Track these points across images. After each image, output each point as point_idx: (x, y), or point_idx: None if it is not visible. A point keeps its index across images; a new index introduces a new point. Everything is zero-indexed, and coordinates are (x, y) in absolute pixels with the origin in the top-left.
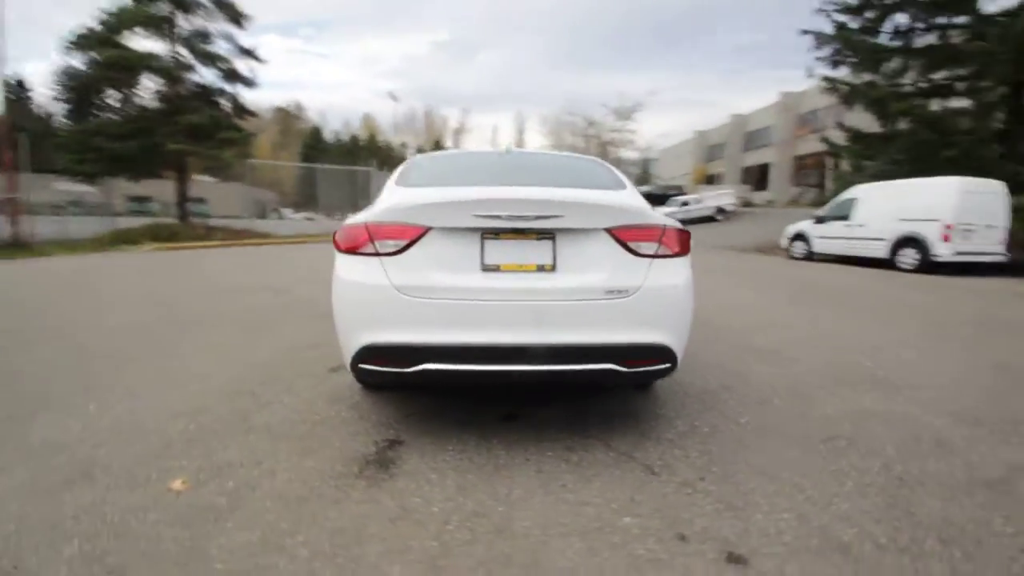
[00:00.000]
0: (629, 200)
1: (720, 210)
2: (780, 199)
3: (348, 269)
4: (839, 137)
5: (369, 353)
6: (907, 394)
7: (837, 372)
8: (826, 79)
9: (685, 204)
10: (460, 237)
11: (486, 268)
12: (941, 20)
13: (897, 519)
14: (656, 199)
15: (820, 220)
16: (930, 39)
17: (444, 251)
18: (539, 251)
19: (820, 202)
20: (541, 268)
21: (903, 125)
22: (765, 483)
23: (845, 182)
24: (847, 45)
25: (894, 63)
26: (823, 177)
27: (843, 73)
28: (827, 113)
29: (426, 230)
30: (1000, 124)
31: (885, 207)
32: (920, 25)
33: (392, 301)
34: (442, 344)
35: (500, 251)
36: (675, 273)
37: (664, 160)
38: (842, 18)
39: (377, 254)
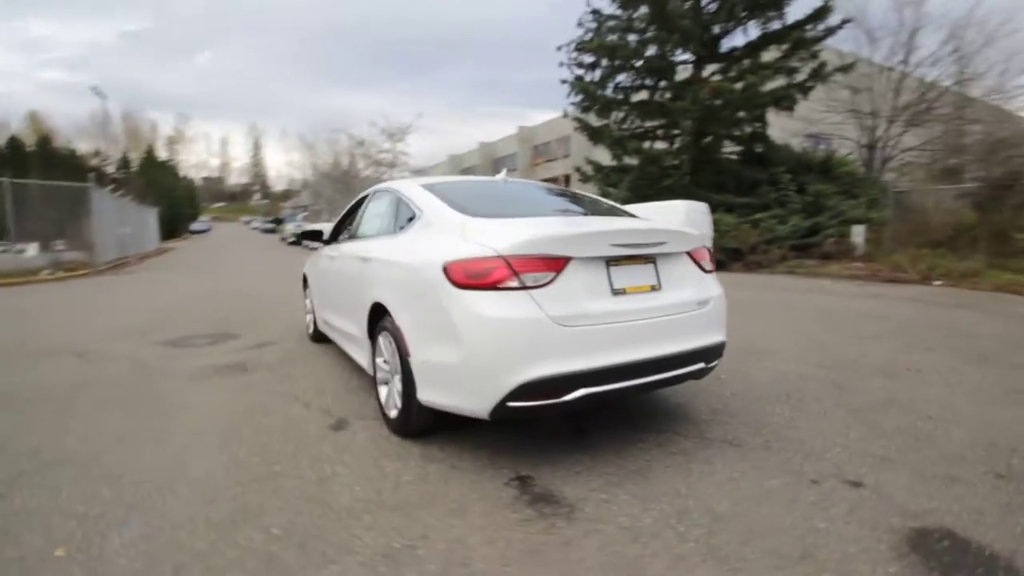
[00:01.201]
0: (686, 226)
1: None
2: None
3: (491, 306)
4: (588, 167)
5: (526, 390)
6: None
7: None
8: (577, 120)
9: None
10: (593, 265)
11: (615, 292)
12: (650, 83)
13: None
14: None
15: None
16: (644, 95)
17: (584, 280)
18: (647, 274)
19: None
20: (653, 288)
21: (633, 160)
22: None
23: None
24: (587, 95)
25: (620, 112)
26: None
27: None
28: (557, 145)
29: (568, 260)
30: (690, 161)
31: None
32: (637, 84)
33: (549, 333)
34: (597, 368)
35: (622, 276)
36: (718, 282)
37: None
38: (580, 71)
39: (524, 287)
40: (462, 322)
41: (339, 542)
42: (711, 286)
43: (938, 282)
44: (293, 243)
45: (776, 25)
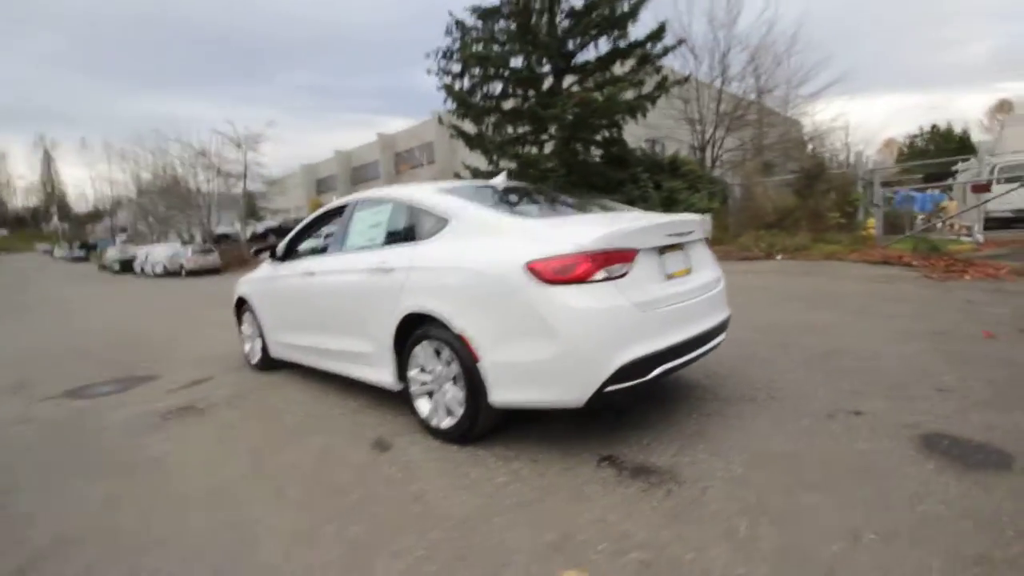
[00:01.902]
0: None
1: None
2: None
3: (583, 298)
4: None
5: (621, 374)
6: None
7: None
8: (453, 127)
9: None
10: (652, 255)
11: (668, 277)
12: (520, 92)
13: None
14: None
15: None
16: (513, 103)
17: (647, 268)
18: (683, 259)
19: None
20: (688, 272)
21: (510, 164)
22: None
23: None
24: (461, 103)
25: (492, 118)
26: None
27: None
28: (421, 152)
29: (637, 252)
30: (564, 164)
31: None
32: (507, 92)
33: (634, 318)
34: (670, 346)
35: (669, 262)
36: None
37: (270, 193)
38: (448, 79)
39: (609, 279)
40: (556, 317)
41: (493, 548)
42: (717, 267)
43: (780, 256)
44: (120, 271)
45: (622, 43)
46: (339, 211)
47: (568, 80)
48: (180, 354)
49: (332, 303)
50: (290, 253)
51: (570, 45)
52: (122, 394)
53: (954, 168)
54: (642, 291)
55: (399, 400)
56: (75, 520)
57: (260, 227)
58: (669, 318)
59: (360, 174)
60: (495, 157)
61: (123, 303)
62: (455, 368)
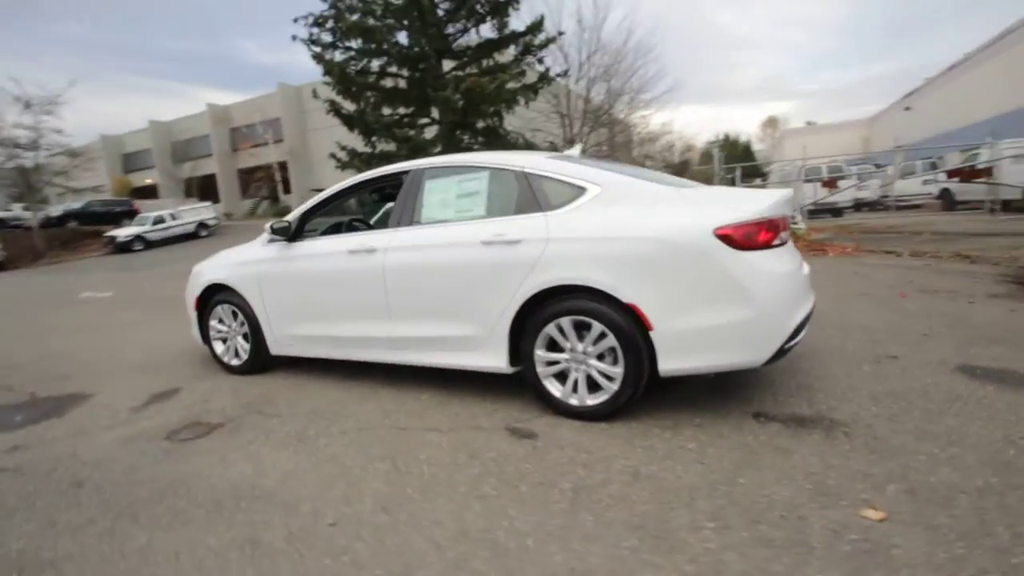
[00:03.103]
0: None
1: (203, 225)
2: (237, 212)
3: (770, 262)
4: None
5: (794, 333)
6: None
7: None
8: (330, 103)
9: (160, 222)
10: None
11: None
12: (406, 72)
13: None
14: (101, 217)
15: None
16: (392, 83)
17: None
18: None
19: (279, 213)
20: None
21: (389, 147)
22: None
23: None
24: (340, 78)
25: (373, 96)
26: (276, 190)
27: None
28: (265, 128)
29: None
30: (452, 150)
31: None
32: (390, 71)
33: (797, 282)
34: (809, 311)
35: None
36: None
37: (76, 170)
38: (317, 49)
39: (780, 245)
40: (751, 281)
41: (767, 505)
42: None
43: None
44: None
45: (504, 32)
46: (391, 181)
47: (448, 64)
48: (96, 366)
49: (413, 284)
50: (299, 232)
51: (450, 28)
52: (61, 420)
53: (767, 168)
54: (790, 258)
55: (472, 387)
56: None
57: (56, 210)
58: (802, 286)
59: (184, 150)
60: (375, 139)
61: None
62: (609, 342)
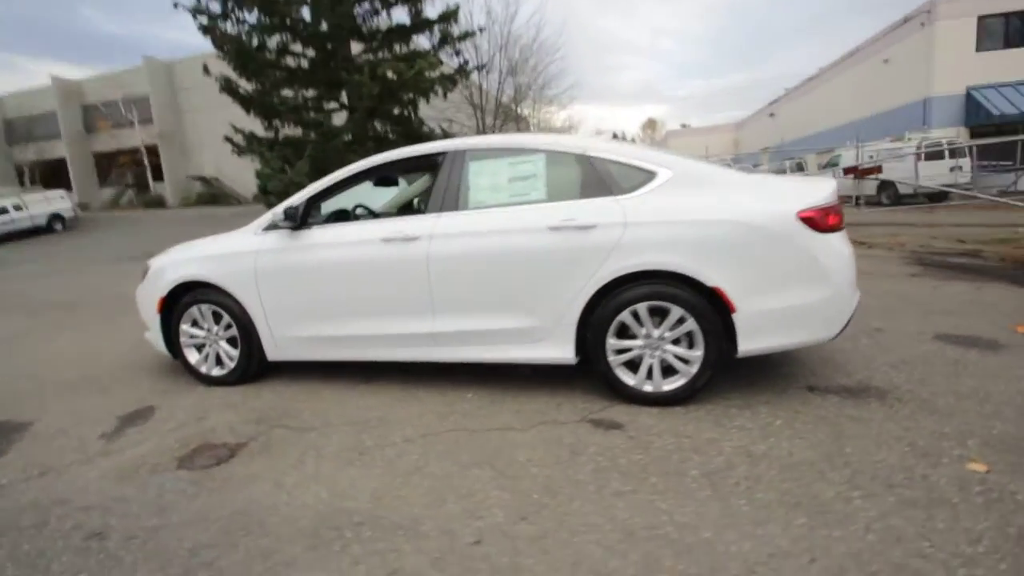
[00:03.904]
0: None
1: (57, 218)
2: (95, 201)
3: (842, 244)
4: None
5: (855, 311)
6: None
7: None
8: (225, 81)
9: (3, 212)
10: None
11: None
12: (311, 52)
13: None
14: None
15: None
16: (295, 62)
17: None
18: None
19: (150, 203)
20: None
21: (289, 130)
22: None
23: (266, 179)
24: (239, 54)
25: (275, 75)
26: (145, 176)
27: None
28: (129, 107)
29: None
30: (368, 139)
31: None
32: (296, 50)
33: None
34: None
35: None
36: None
37: None
38: (203, 18)
39: (842, 228)
40: (829, 261)
41: (889, 472)
42: None
43: None
44: None
45: (419, 18)
46: (425, 163)
47: (356, 48)
48: (15, 386)
49: (464, 274)
50: (305, 219)
51: (359, 8)
52: (7, 457)
53: None
54: (847, 241)
55: (512, 381)
56: None
57: None
58: None
59: (21, 130)
60: (276, 122)
61: None
62: (687, 326)
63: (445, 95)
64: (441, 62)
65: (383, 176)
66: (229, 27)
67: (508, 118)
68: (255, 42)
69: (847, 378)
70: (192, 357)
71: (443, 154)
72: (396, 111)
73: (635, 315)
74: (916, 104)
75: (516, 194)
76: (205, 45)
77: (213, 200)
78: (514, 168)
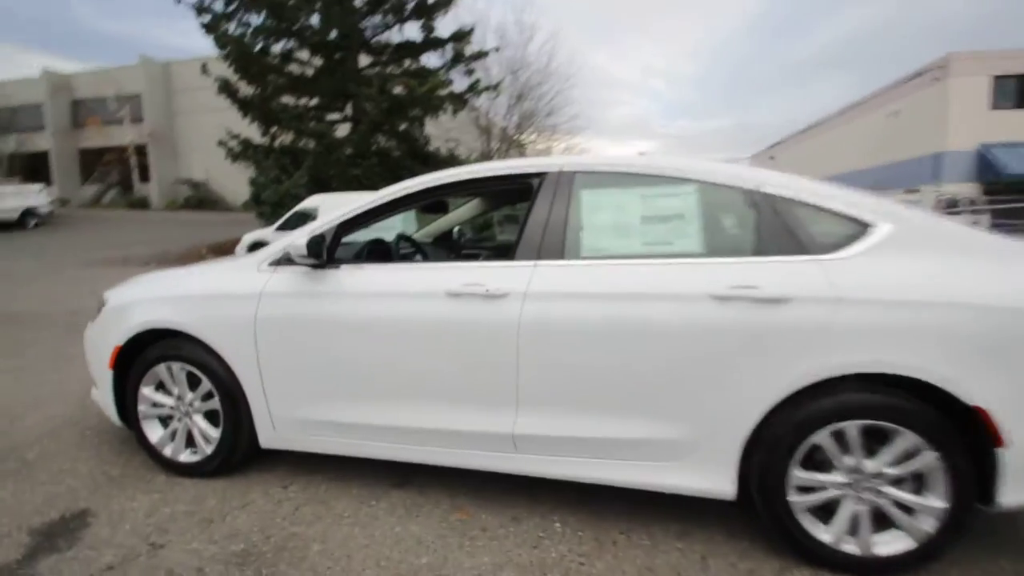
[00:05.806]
0: None
1: (31, 213)
2: (76, 198)
3: None
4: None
5: None
6: None
7: None
8: (224, 83)
9: None
10: None
11: None
12: (318, 59)
13: None
14: None
15: (283, 228)
16: (300, 69)
17: None
18: None
19: (133, 203)
20: None
21: (298, 140)
22: None
23: (261, 188)
24: (240, 56)
25: (278, 80)
26: (131, 175)
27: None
28: (121, 104)
29: None
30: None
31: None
32: (301, 57)
33: None
34: None
35: None
36: None
37: None
38: (207, 18)
39: None
40: None
41: None
42: None
43: None
44: None
45: (429, 35)
46: (511, 185)
47: (364, 60)
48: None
49: (571, 353)
50: (331, 254)
51: (370, 20)
52: None
53: None
54: None
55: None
56: None
57: None
58: None
59: (3, 120)
60: (275, 130)
61: None
62: (923, 460)
63: (455, 113)
64: (451, 81)
65: (438, 200)
66: (233, 28)
67: (514, 144)
68: (259, 45)
69: None
70: (153, 434)
71: (542, 175)
72: (402, 127)
73: (837, 436)
74: (927, 158)
75: (654, 241)
76: (204, 49)
77: (199, 205)
78: (650, 203)
